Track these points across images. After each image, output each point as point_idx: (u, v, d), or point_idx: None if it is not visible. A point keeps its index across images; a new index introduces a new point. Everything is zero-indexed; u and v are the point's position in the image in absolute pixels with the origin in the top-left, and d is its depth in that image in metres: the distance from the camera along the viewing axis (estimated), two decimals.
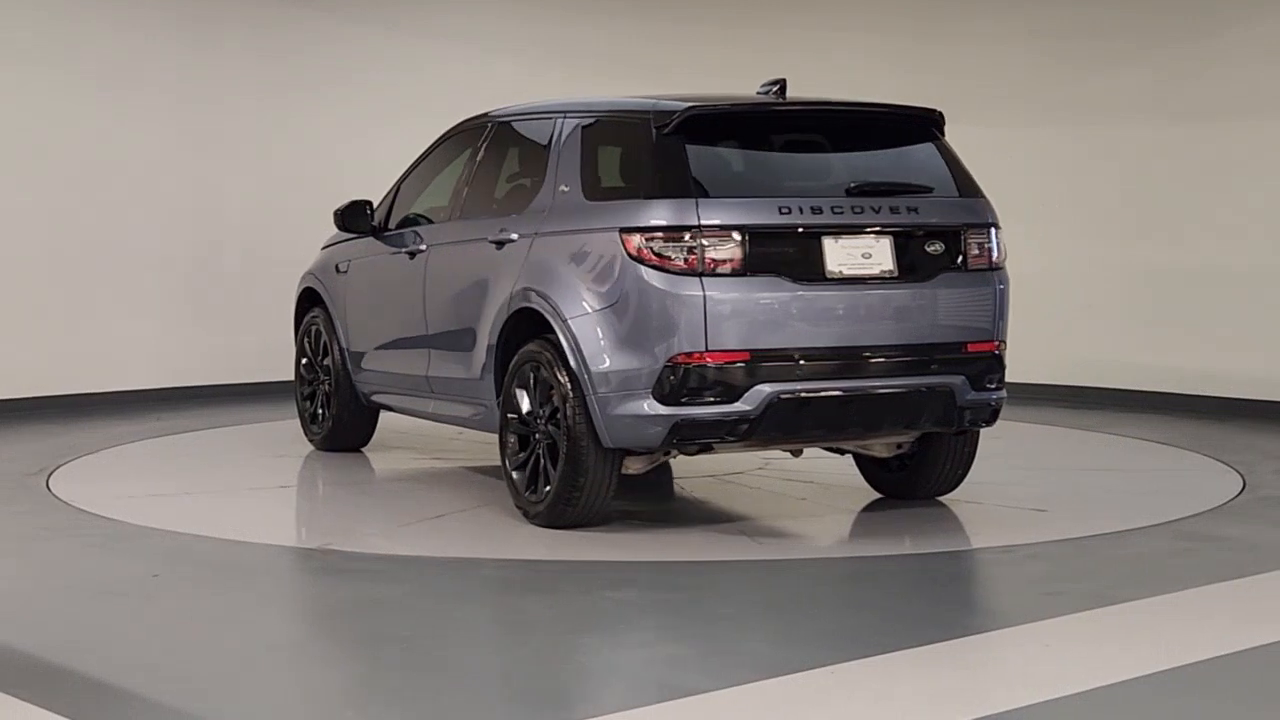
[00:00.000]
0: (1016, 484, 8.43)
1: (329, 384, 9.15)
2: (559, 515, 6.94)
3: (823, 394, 6.70)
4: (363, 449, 9.32)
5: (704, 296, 6.51)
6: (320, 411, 9.28)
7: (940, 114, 7.37)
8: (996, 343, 7.08)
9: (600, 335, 6.71)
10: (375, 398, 8.87)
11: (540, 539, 6.88)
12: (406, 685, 4.76)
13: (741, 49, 13.37)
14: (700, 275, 6.53)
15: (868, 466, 7.83)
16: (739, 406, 6.55)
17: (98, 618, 5.59)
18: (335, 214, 8.81)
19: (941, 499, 7.74)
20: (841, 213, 6.80)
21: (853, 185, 6.93)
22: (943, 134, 7.33)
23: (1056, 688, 4.63)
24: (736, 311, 6.57)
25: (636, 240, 6.59)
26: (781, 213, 6.70)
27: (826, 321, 6.74)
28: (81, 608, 5.74)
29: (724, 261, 6.56)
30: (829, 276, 6.73)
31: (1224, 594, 5.95)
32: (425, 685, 4.77)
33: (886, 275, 6.83)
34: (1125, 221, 12.13)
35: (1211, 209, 11.66)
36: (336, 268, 9.15)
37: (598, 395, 6.68)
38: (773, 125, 7.28)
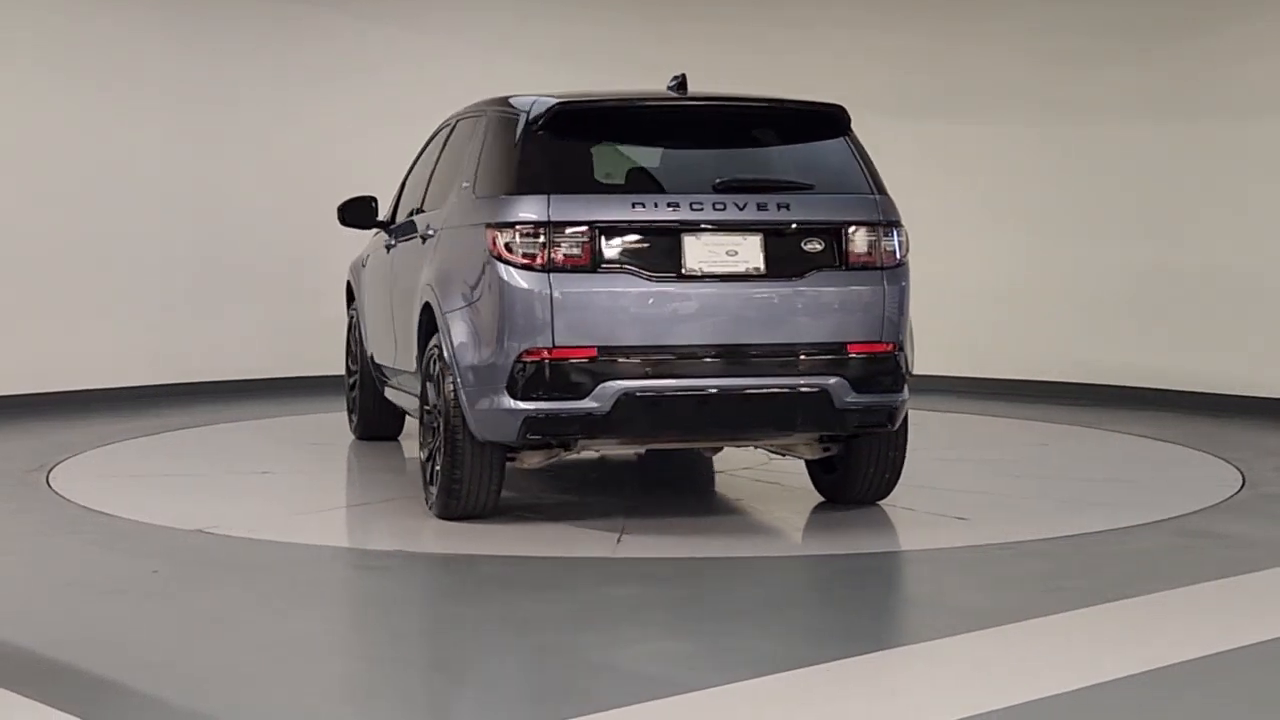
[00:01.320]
0: (1015, 480, 8.44)
1: (358, 375, 9.52)
2: (446, 506, 7.01)
3: (675, 393, 6.58)
4: (397, 438, 9.53)
5: (551, 292, 6.52)
6: (355, 402, 9.65)
7: (842, 109, 7.19)
8: (885, 343, 6.83)
9: (466, 330, 6.81)
10: (385, 390, 8.98)
11: (540, 537, 6.88)
12: (408, 682, 4.76)
13: (743, 47, 13.37)
14: (549, 271, 6.54)
15: (812, 469, 7.67)
16: (586, 403, 6.52)
17: (97, 614, 5.59)
18: (338, 209, 8.84)
19: (939, 498, 7.74)
20: (701, 209, 6.69)
21: (719, 181, 6.87)
22: (849, 129, 7.16)
23: (1057, 684, 4.63)
24: (584, 308, 6.55)
25: (496, 236, 6.63)
26: (634, 208, 6.64)
27: (682, 319, 6.63)
28: (81, 604, 5.74)
29: (573, 258, 6.56)
30: (687, 274, 6.63)
31: (1225, 590, 5.95)
32: (427, 682, 4.77)
33: (753, 273, 6.69)
34: (1125, 219, 12.13)
35: (1211, 206, 11.65)
36: (363, 262, 9.35)
37: (466, 389, 6.75)
38: (650, 121, 7.26)
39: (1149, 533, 7.01)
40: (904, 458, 7.33)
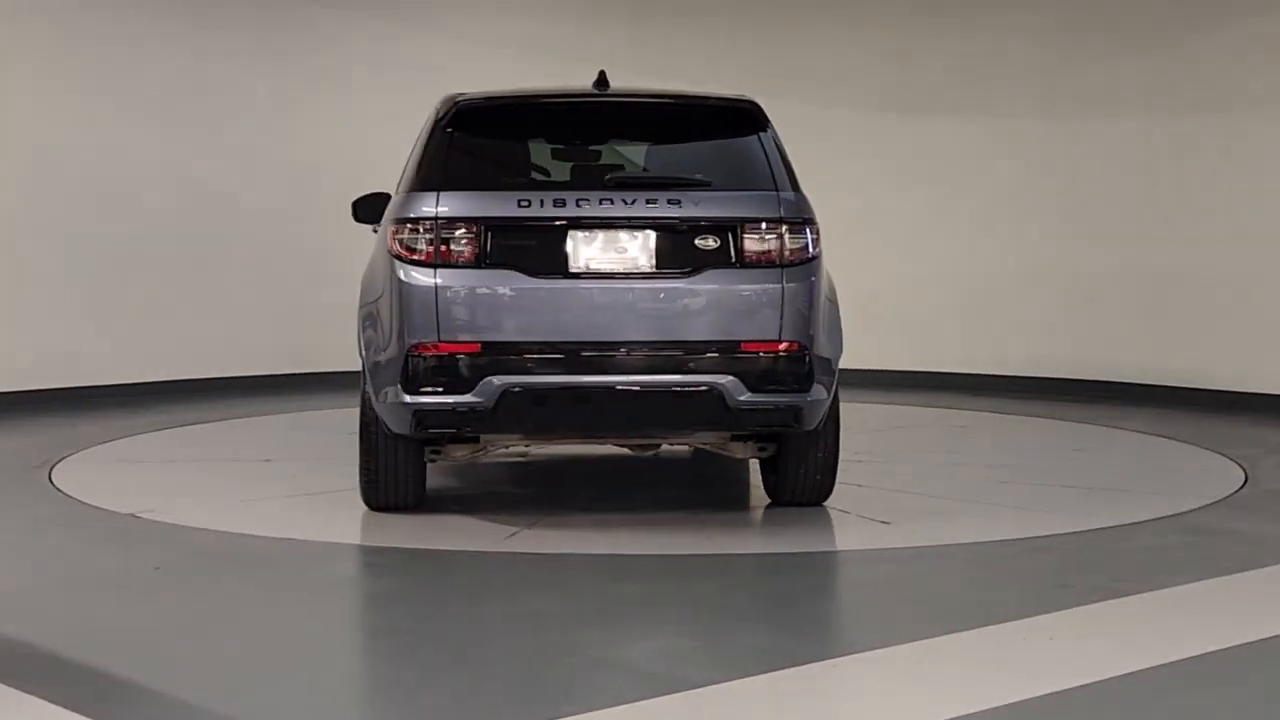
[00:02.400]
0: (1018, 478, 8.44)
1: None
2: (368, 497, 7.16)
3: (559, 389, 6.58)
4: None
5: (436, 288, 6.58)
6: None
7: (755, 105, 7.11)
8: (784, 342, 6.69)
9: (372, 325, 6.93)
10: None
11: (542, 534, 6.88)
12: (411, 679, 4.76)
13: (745, 45, 13.37)
14: (436, 267, 6.60)
15: (763, 469, 7.60)
16: (470, 398, 6.55)
17: (100, 610, 5.59)
18: (353, 205, 8.83)
19: (941, 495, 7.74)
20: (588, 206, 6.67)
21: (609, 178, 6.87)
22: (765, 126, 7.08)
23: (1062, 680, 4.63)
24: (468, 304, 6.60)
25: (392, 233, 6.74)
26: (521, 206, 6.67)
27: (567, 316, 6.62)
28: (83, 600, 5.74)
29: (459, 254, 6.61)
30: (574, 271, 6.64)
31: (1230, 587, 5.95)
32: (430, 679, 4.77)
33: (641, 270, 6.65)
34: (1128, 216, 12.13)
35: (1213, 204, 11.65)
36: None
37: (373, 383, 6.85)
38: (558, 118, 7.28)
39: (1153, 529, 7.01)
40: (836, 458, 7.21)
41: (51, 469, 8.38)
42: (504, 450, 7.26)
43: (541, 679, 4.75)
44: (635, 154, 7.54)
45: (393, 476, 7.05)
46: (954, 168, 12.98)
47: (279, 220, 12.36)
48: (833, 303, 7.09)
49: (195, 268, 12.05)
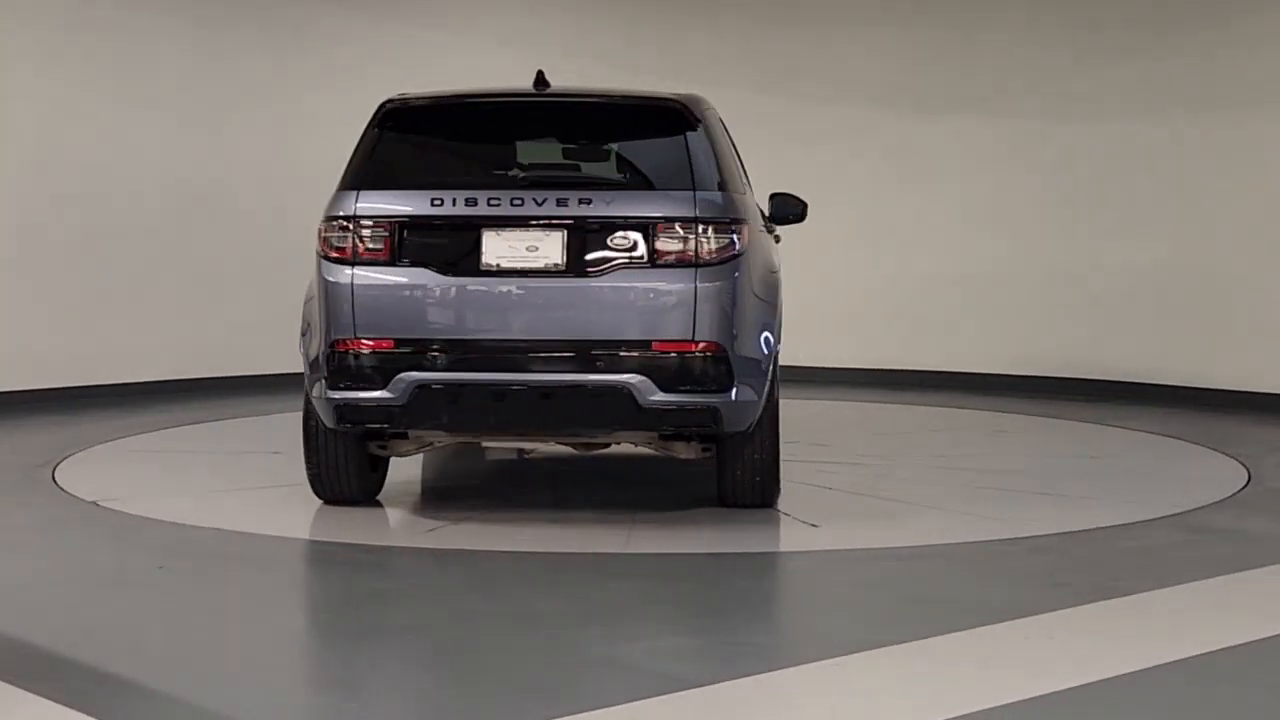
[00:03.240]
0: (1021, 476, 8.43)
1: None
2: (316, 490, 7.32)
3: (470, 386, 6.64)
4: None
5: (353, 285, 6.71)
6: None
7: (684, 105, 7.05)
8: (699, 343, 6.62)
9: (306, 320, 7.08)
10: None
11: (543, 532, 6.89)
12: (411, 677, 4.77)
13: (746, 44, 13.37)
14: (353, 265, 6.72)
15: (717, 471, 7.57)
16: (384, 394, 6.65)
17: (103, 609, 5.60)
18: None
19: (946, 492, 7.73)
20: (499, 205, 6.71)
21: (522, 177, 6.91)
22: (695, 125, 7.00)
23: (1062, 679, 4.63)
24: (382, 300, 6.70)
25: (320, 231, 6.87)
26: (434, 204, 6.74)
27: (479, 314, 6.70)
28: (87, 599, 5.75)
29: (375, 251, 6.72)
30: (485, 269, 6.68)
31: (1230, 586, 5.95)
32: (429, 677, 4.78)
33: (552, 269, 6.67)
34: (1129, 215, 12.13)
35: (1217, 202, 11.65)
36: None
37: (308, 376, 6.97)
38: (487, 118, 7.35)
39: (1154, 528, 7.01)
40: (774, 461, 7.13)
41: (54, 468, 8.39)
42: (463, 445, 7.30)
43: (538, 677, 4.75)
44: (559, 154, 7.51)
45: (335, 470, 7.19)
46: (955, 167, 12.97)
47: (280, 219, 12.35)
48: (768, 303, 7.03)
49: (195, 266, 12.05)
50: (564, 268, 6.67)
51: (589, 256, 6.67)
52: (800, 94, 13.39)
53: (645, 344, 6.61)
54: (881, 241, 13.28)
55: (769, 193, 9.18)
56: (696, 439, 7.02)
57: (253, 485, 8.05)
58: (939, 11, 13.02)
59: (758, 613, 5.67)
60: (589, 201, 6.70)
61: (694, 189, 6.77)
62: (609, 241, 6.68)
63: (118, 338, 11.62)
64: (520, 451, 8.82)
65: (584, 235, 6.68)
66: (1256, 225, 11.43)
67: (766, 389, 6.90)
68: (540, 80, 7.31)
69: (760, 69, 13.42)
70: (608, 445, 7.49)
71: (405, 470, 8.46)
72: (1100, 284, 12.27)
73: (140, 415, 10.55)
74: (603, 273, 6.66)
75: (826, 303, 12.92)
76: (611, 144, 7.25)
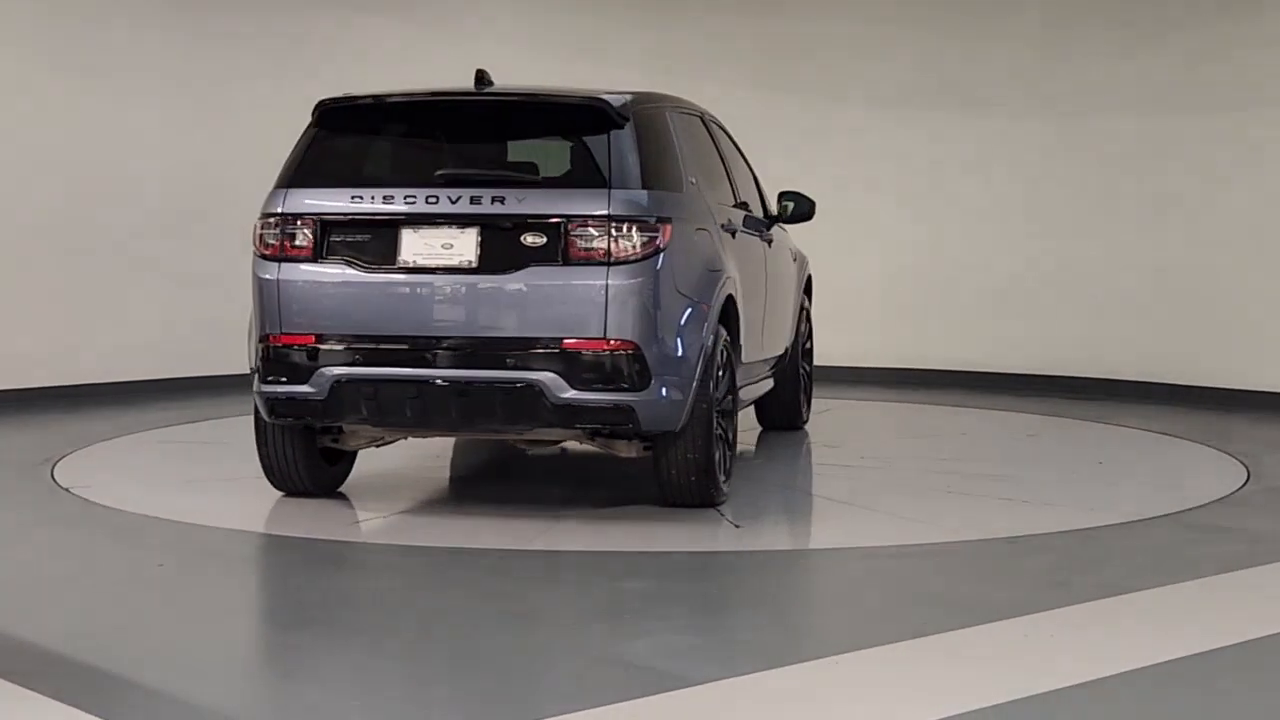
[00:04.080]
0: (1021, 475, 8.43)
1: None
2: (271, 481, 7.45)
3: (386, 381, 6.74)
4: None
5: (279, 281, 6.88)
6: None
7: (607, 104, 6.94)
8: (611, 340, 6.61)
9: (249, 316, 7.17)
10: None
11: (543, 531, 6.89)
12: (412, 675, 4.77)
13: (746, 42, 13.37)
14: (280, 261, 6.89)
15: None
16: (306, 388, 6.82)
17: (102, 608, 5.60)
18: None
19: (948, 491, 7.73)
20: (415, 203, 6.78)
21: (439, 175, 6.95)
22: (620, 124, 6.92)
23: (1062, 679, 4.63)
24: (305, 296, 6.85)
25: (255, 229, 7.03)
26: (354, 201, 6.85)
27: (395, 310, 6.78)
28: (85, 598, 5.75)
29: (300, 248, 6.88)
30: (403, 266, 6.77)
31: (1232, 584, 5.95)
32: (430, 676, 4.78)
33: (466, 266, 6.72)
34: (1129, 213, 12.13)
35: (1214, 203, 11.65)
36: None
37: (251, 372, 7.10)
38: (414, 117, 7.41)
39: (1155, 527, 7.01)
40: (710, 461, 7.06)
41: (53, 467, 8.38)
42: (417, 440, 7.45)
43: (537, 677, 4.75)
44: (483, 152, 7.49)
45: (285, 462, 7.32)
46: (955, 167, 12.97)
47: None
48: (698, 302, 6.98)
49: (195, 264, 12.03)
50: (477, 265, 6.73)
51: (502, 254, 6.72)
52: (801, 95, 13.38)
53: (556, 341, 6.65)
54: (871, 241, 13.25)
55: (778, 191, 9.23)
56: (635, 438, 7.00)
57: (253, 484, 8.05)
58: (943, 7, 13.00)
59: (757, 611, 5.66)
60: (502, 200, 6.74)
61: (609, 187, 6.76)
62: (522, 239, 6.72)
63: (120, 336, 11.60)
64: (563, 448, 8.80)
65: (497, 233, 6.74)
66: (1257, 224, 11.42)
67: (695, 388, 6.88)
68: (481, 79, 7.34)
69: (762, 68, 13.41)
70: (557, 443, 7.51)
71: (433, 470, 8.46)
72: (1096, 283, 12.27)
73: (142, 414, 10.55)
74: (515, 270, 6.70)
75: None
76: (536, 142, 7.31)
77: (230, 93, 12.16)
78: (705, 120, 8.40)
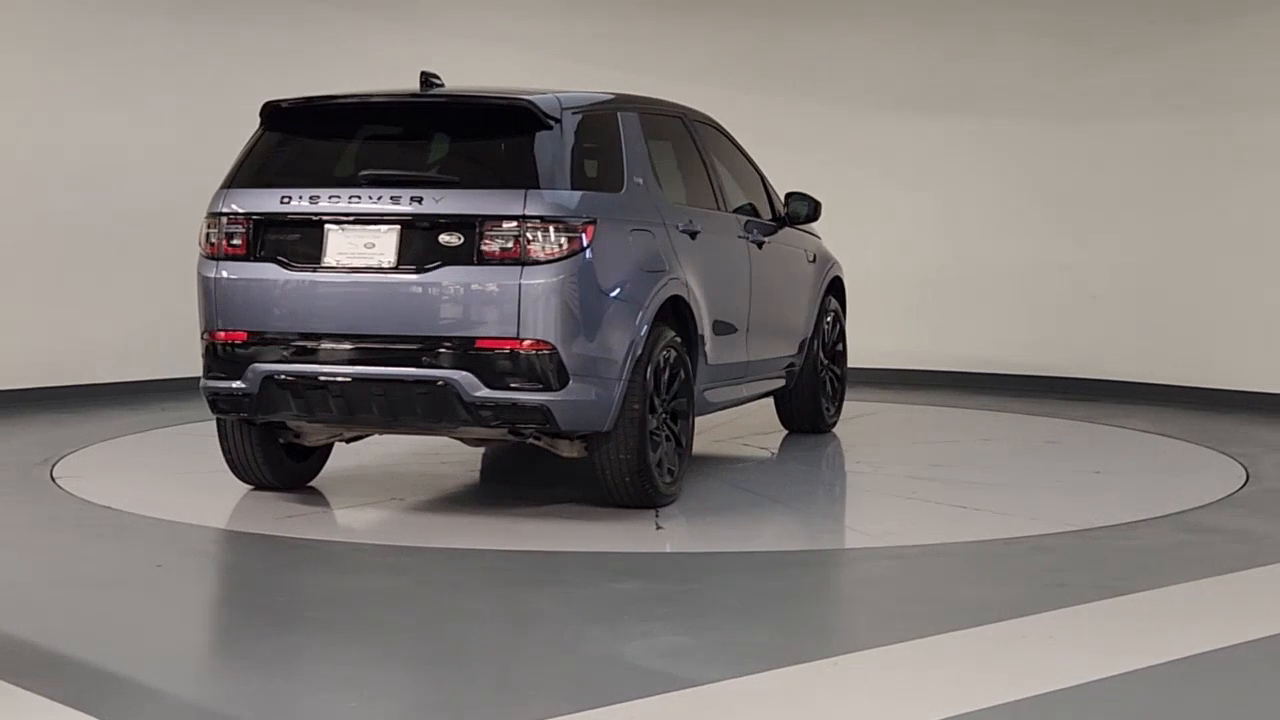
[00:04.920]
0: (1019, 475, 8.43)
1: None
2: (236, 475, 7.60)
3: (309, 378, 6.88)
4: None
5: (215, 279, 7.08)
6: None
7: (532, 106, 6.92)
8: (525, 340, 6.64)
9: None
10: None
11: (543, 530, 6.89)
12: (410, 676, 4.77)
13: (747, 41, 13.36)
14: (218, 260, 7.09)
15: None
16: (239, 384, 7.00)
17: (101, 608, 5.60)
18: None
19: (950, 491, 7.74)
20: (339, 202, 6.91)
21: (363, 175, 7.03)
22: (549, 125, 6.93)
23: (1062, 679, 4.63)
24: (238, 294, 7.02)
25: (201, 228, 7.21)
26: (282, 202, 7.00)
27: (321, 308, 6.92)
28: (84, 598, 5.75)
29: (235, 247, 7.06)
30: (326, 265, 6.91)
31: (1231, 586, 5.95)
32: (428, 676, 4.78)
33: (385, 265, 6.82)
34: (1126, 214, 12.13)
35: (1214, 203, 11.65)
36: None
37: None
38: (351, 119, 7.51)
39: (1153, 528, 7.01)
40: (644, 462, 7.03)
41: (53, 467, 8.38)
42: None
43: (536, 676, 4.75)
44: (411, 153, 7.45)
45: (245, 456, 7.47)
46: (954, 168, 12.96)
47: None
48: (627, 302, 6.98)
49: (194, 264, 12.02)
50: (395, 265, 6.83)
51: (419, 253, 6.81)
52: (800, 94, 13.37)
53: (469, 340, 6.72)
54: (870, 240, 13.25)
55: (786, 191, 9.24)
56: (562, 438, 7.04)
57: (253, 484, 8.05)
58: (945, 6, 13.00)
59: (756, 611, 5.66)
60: (420, 200, 6.82)
61: (526, 187, 6.76)
62: (439, 239, 6.79)
63: (119, 336, 11.60)
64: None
65: (414, 232, 6.83)
66: (1257, 224, 11.42)
67: (623, 388, 6.90)
68: (426, 81, 7.38)
69: (758, 67, 13.41)
70: (490, 441, 7.53)
71: (466, 467, 8.46)
72: (1096, 282, 12.26)
73: (141, 414, 10.54)
74: (431, 269, 6.77)
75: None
76: (465, 143, 7.30)
77: (231, 93, 12.16)
78: (687, 122, 8.38)
